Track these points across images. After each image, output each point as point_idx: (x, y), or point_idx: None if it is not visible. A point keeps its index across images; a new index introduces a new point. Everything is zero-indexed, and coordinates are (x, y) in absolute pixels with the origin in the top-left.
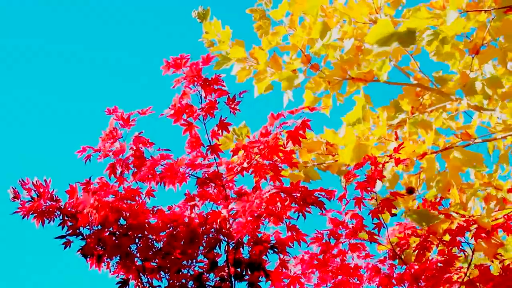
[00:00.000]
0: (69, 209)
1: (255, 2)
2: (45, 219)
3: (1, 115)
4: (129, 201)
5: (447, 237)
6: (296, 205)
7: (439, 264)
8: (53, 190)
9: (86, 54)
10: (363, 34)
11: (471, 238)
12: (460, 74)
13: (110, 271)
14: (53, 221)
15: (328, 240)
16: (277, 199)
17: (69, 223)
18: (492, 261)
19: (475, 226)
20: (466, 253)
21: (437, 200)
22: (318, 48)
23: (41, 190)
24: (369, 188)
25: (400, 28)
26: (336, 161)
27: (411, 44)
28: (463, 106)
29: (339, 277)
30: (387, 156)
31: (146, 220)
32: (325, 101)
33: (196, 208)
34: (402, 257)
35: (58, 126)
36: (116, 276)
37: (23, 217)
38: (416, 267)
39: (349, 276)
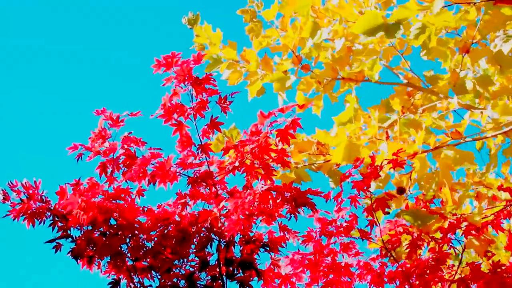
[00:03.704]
0: (60, 209)
1: (245, 4)
2: (36, 220)
3: (1, 115)
4: (118, 201)
5: (438, 235)
6: (288, 206)
7: (430, 262)
8: (43, 191)
9: (86, 54)
10: (353, 34)
11: (462, 235)
12: (451, 73)
13: (101, 271)
14: (44, 222)
15: (320, 238)
16: (269, 197)
17: (60, 224)
18: (483, 258)
19: (466, 223)
20: (457, 251)
21: (429, 199)
22: (309, 47)
23: (31, 191)
24: (365, 188)
25: (389, 19)
26: (328, 161)
27: (396, 35)
28: (453, 104)
29: (330, 276)
30: (386, 159)
31: (137, 219)
32: (316, 102)
33: (188, 207)
34: (393, 254)
35: (57, 126)
36: (108, 276)
37: (13, 219)
38: (408, 265)
39: (340, 275)
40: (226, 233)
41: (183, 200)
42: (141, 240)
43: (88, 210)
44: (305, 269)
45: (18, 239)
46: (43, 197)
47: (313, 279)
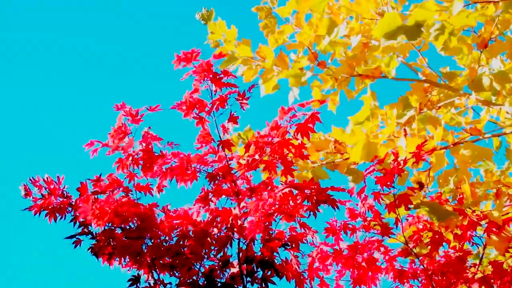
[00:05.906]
0: (80, 204)
1: (258, 2)
2: (57, 215)
3: (14, 110)
4: (138, 201)
5: (458, 232)
6: (308, 203)
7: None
8: (65, 186)
9: (99, 48)
10: (370, 30)
11: (484, 232)
12: (469, 70)
13: (122, 266)
14: (65, 217)
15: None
16: (289, 198)
17: (81, 219)
18: (504, 255)
19: (486, 221)
20: (478, 248)
21: (447, 195)
22: (325, 45)
23: (52, 186)
24: (388, 183)
25: (408, 21)
26: (345, 159)
27: (417, 38)
28: (471, 101)
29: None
30: (410, 153)
31: (157, 222)
32: (332, 99)
33: (211, 203)
34: (415, 250)
35: (69, 120)
36: (128, 270)
37: (35, 214)
38: (426, 262)
39: (372, 270)
40: (246, 233)
41: (207, 207)
42: (161, 239)
43: (102, 217)
44: (333, 262)
45: (18, 240)
46: (64, 192)
47: (344, 272)
